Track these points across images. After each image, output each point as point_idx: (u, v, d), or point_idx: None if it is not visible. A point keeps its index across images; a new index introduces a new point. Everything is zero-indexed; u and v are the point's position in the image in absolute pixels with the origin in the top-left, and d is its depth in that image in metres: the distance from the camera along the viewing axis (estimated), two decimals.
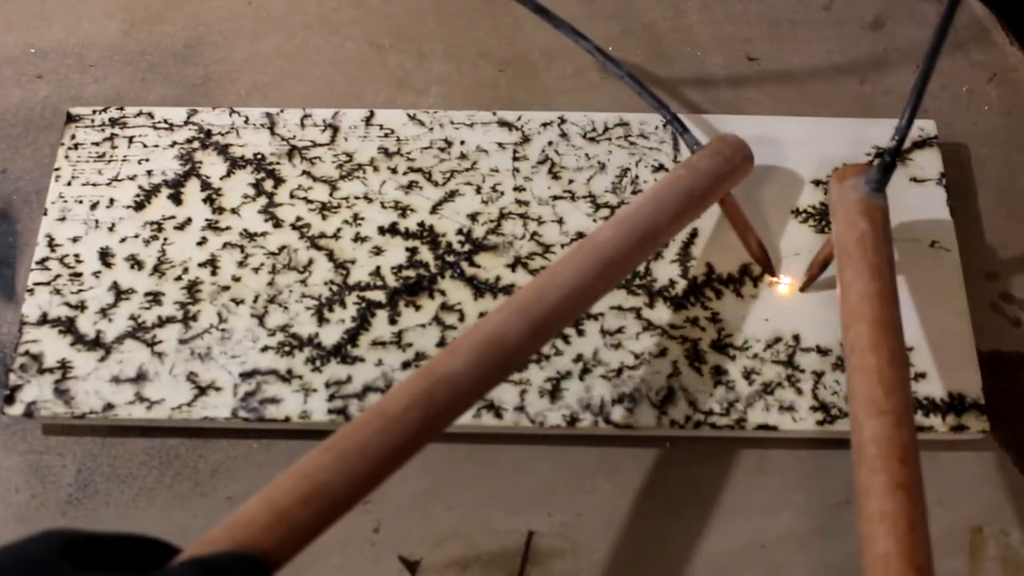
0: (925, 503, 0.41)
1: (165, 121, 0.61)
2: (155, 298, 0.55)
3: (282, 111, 0.61)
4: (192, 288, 0.56)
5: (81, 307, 0.55)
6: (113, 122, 0.61)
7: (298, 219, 0.58)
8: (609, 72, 0.65)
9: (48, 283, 0.56)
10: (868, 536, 0.40)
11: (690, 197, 0.51)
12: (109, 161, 0.59)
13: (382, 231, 0.58)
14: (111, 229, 0.57)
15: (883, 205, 0.50)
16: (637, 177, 0.59)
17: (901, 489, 0.40)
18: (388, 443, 0.39)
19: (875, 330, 0.45)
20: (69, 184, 0.59)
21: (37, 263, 0.56)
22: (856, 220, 0.50)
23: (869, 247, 0.48)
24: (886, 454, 0.42)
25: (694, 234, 0.58)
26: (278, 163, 0.59)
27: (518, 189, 0.59)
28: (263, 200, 0.58)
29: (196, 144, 0.60)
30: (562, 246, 0.57)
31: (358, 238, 0.57)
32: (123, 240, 0.57)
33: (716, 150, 0.54)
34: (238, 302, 0.55)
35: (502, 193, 0.59)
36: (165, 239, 0.57)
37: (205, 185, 0.59)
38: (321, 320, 0.55)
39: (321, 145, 0.60)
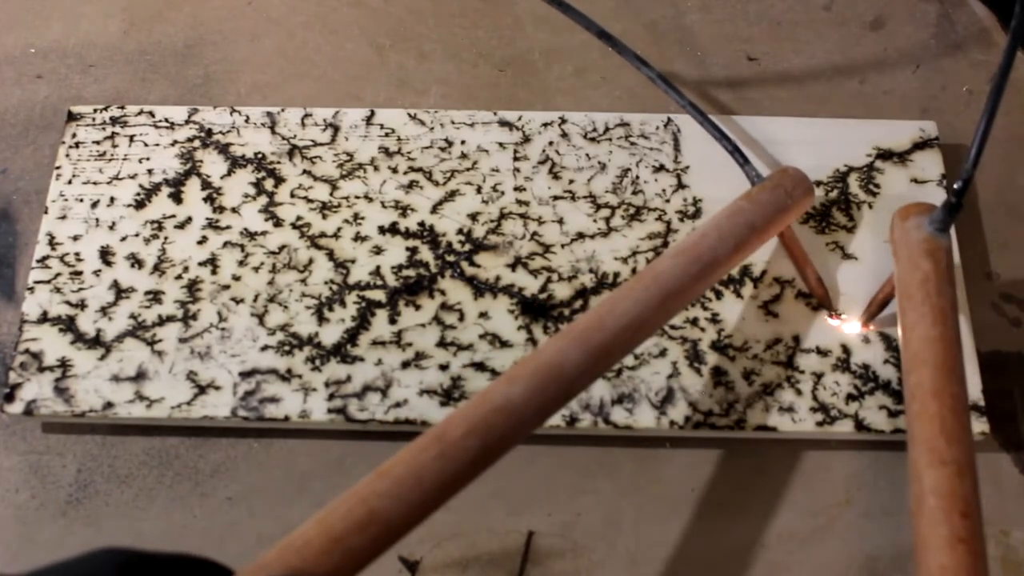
0: (986, 558, 0.40)
1: (166, 120, 0.61)
2: (155, 297, 0.55)
3: (283, 110, 0.61)
4: (192, 287, 0.56)
5: (81, 305, 0.55)
6: (114, 121, 0.61)
7: (298, 218, 0.58)
8: (610, 72, 0.66)
9: (48, 281, 0.56)
10: None
11: (751, 230, 0.50)
12: (110, 160, 0.59)
13: (382, 231, 0.58)
14: (111, 228, 0.57)
15: (947, 246, 0.50)
16: (638, 177, 0.59)
17: (962, 543, 0.39)
18: (445, 470, 0.39)
19: (938, 376, 0.45)
20: (70, 183, 0.59)
21: (38, 261, 0.56)
22: (919, 261, 0.49)
23: (932, 290, 0.47)
24: (947, 506, 0.41)
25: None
26: (279, 162, 0.59)
27: (518, 189, 0.59)
28: (263, 199, 0.58)
29: (197, 143, 0.60)
30: (562, 246, 0.57)
31: (358, 237, 0.57)
32: (123, 239, 0.57)
33: (777, 183, 0.53)
34: (238, 301, 0.55)
35: (502, 193, 0.59)
36: (165, 238, 0.57)
37: (205, 184, 0.59)
38: (321, 319, 0.55)
39: (322, 144, 0.60)
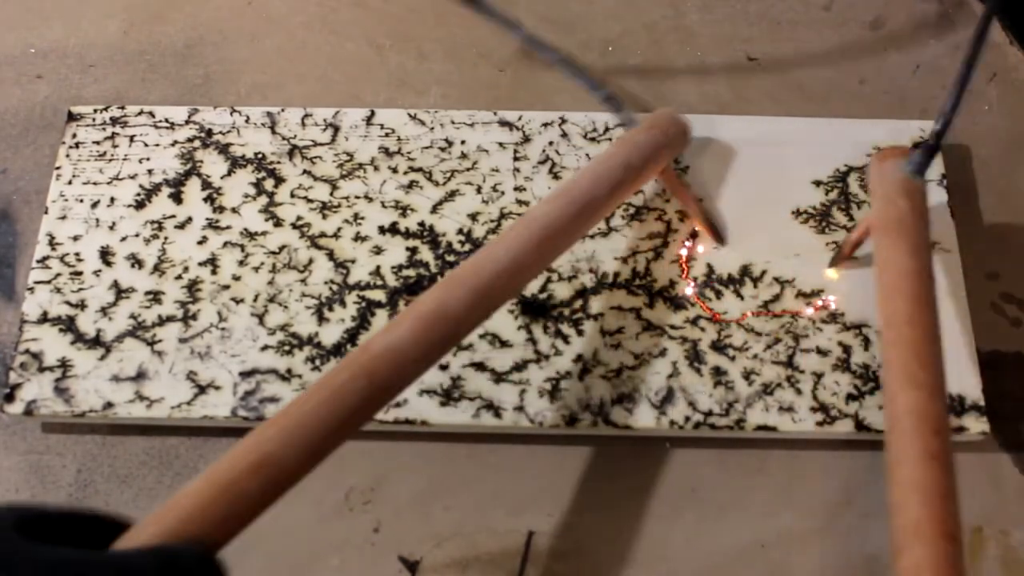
0: (955, 474, 0.41)
1: (166, 120, 0.61)
2: (155, 297, 0.55)
3: (283, 110, 0.61)
4: (192, 287, 0.56)
5: (81, 306, 0.55)
6: (114, 121, 0.61)
7: (298, 218, 0.58)
8: (611, 72, 0.66)
9: (49, 282, 0.56)
10: (900, 504, 0.41)
11: (627, 169, 0.51)
12: (110, 160, 0.59)
13: (382, 230, 0.58)
14: (112, 228, 0.57)
15: (923, 188, 0.51)
16: None
17: (934, 459, 0.41)
18: (334, 414, 0.40)
19: (912, 305, 0.46)
20: (70, 183, 0.59)
21: (38, 261, 0.56)
22: (896, 199, 0.50)
23: (909, 225, 0.49)
24: (920, 426, 0.42)
25: (694, 235, 0.58)
26: (279, 162, 0.59)
27: (518, 189, 0.59)
28: (263, 199, 0.58)
29: (197, 143, 0.60)
30: None
31: (358, 237, 0.57)
32: (123, 239, 0.57)
33: (652, 123, 0.55)
34: (238, 301, 0.55)
35: (502, 193, 0.59)
36: (165, 238, 0.57)
37: (206, 184, 0.59)
38: (321, 319, 0.55)
39: (322, 144, 0.60)
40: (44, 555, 0.32)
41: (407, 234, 0.57)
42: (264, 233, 0.57)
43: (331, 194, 0.59)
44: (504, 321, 0.55)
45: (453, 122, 0.61)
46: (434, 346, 0.43)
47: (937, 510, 0.40)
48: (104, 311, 0.55)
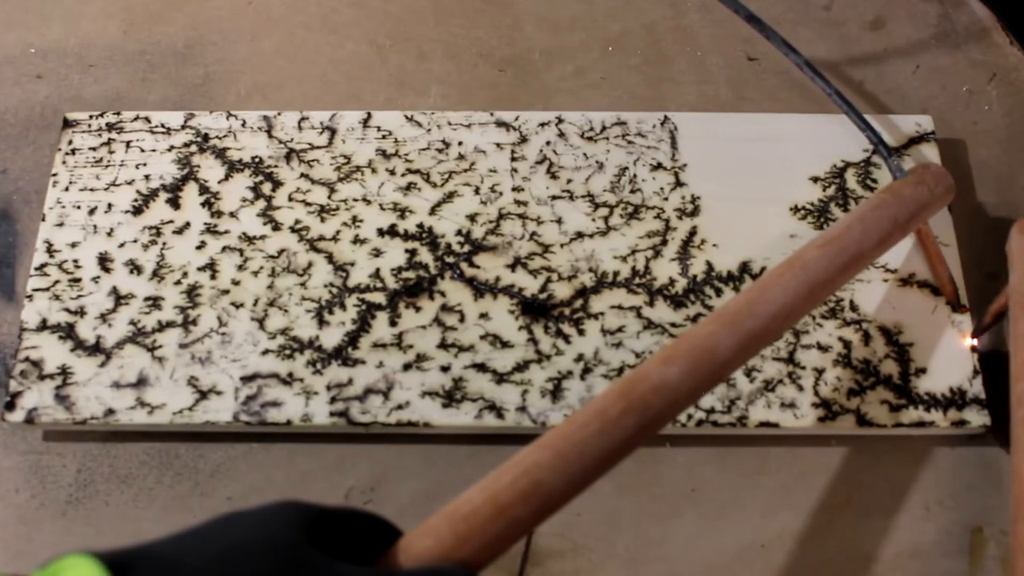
0: None
1: (162, 125, 0.61)
2: (155, 303, 0.55)
3: (279, 114, 0.61)
4: (192, 292, 0.56)
5: (81, 312, 0.55)
6: (110, 127, 0.61)
7: (297, 222, 0.58)
8: (609, 72, 0.65)
9: (47, 289, 0.56)
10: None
11: (894, 224, 0.51)
12: (107, 166, 0.59)
13: (381, 233, 0.58)
14: (109, 234, 0.57)
15: None
16: (635, 176, 0.59)
17: None
18: (604, 446, 0.40)
19: None
20: (67, 190, 0.59)
21: (36, 269, 0.56)
22: None
23: None
24: None
25: (694, 232, 0.58)
26: (276, 166, 0.59)
27: (516, 189, 0.59)
28: (261, 203, 0.58)
29: (193, 148, 0.60)
30: (561, 246, 0.57)
31: (357, 240, 0.57)
32: (122, 245, 0.57)
33: (920, 179, 0.54)
34: (238, 306, 0.55)
35: (500, 193, 0.59)
36: (164, 243, 0.57)
37: (203, 189, 0.59)
38: (321, 323, 0.55)
39: (319, 147, 0.60)
40: (341, 573, 0.33)
41: (406, 236, 0.57)
42: (263, 237, 0.57)
43: (329, 197, 0.59)
44: (505, 321, 0.55)
45: (450, 123, 0.61)
46: (702, 384, 0.43)
47: None
48: (103, 317, 0.55)
